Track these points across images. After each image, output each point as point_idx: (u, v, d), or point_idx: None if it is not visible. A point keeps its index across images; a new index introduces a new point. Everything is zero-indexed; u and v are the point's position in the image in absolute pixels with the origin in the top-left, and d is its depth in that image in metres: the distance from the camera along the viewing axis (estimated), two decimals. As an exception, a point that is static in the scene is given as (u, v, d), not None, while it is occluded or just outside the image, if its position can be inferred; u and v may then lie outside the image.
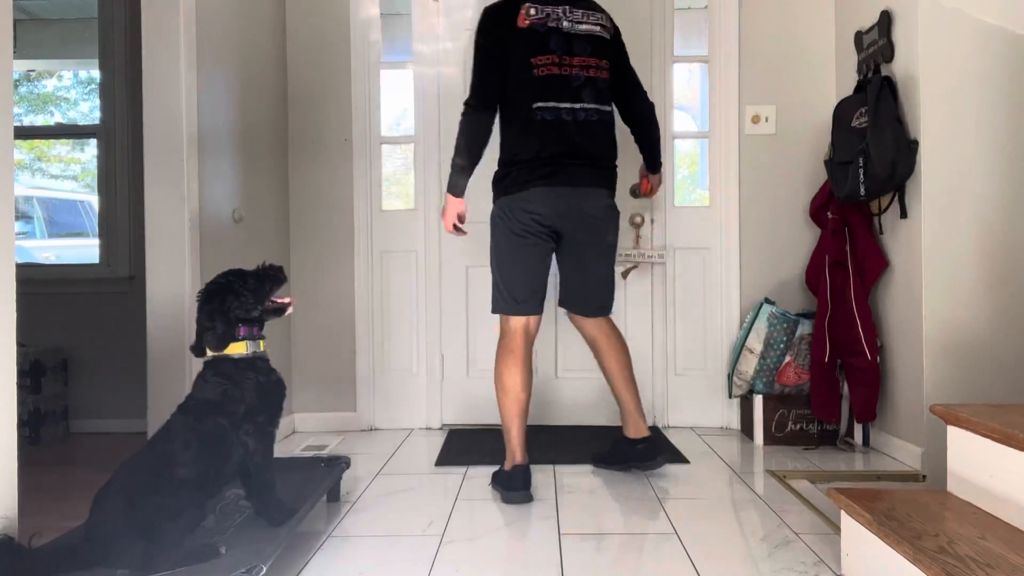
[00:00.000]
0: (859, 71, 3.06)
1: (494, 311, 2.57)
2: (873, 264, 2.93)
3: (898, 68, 2.80)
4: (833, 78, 3.40)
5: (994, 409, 1.80)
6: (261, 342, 1.92)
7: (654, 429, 3.35)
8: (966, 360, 2.60)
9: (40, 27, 4.46)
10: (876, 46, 2.92)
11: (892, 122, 2.68)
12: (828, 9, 3.41)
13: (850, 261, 2.99)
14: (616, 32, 2.60)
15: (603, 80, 2.49)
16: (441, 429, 3.49)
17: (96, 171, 3.76)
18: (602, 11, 2.56)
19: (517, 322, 2.50)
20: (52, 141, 5.03)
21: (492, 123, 2.47)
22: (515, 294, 2.48)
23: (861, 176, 2.73)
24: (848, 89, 3.05)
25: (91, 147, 4.14)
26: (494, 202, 2.53)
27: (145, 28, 2.58)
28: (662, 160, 2.88)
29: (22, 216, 5.51)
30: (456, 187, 2.50)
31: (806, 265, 3.32)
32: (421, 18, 3.54)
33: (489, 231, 2.57)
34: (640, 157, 2.82)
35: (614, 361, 2.61)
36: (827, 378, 3.00)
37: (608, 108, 2.52)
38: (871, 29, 2.96)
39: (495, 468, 2.67)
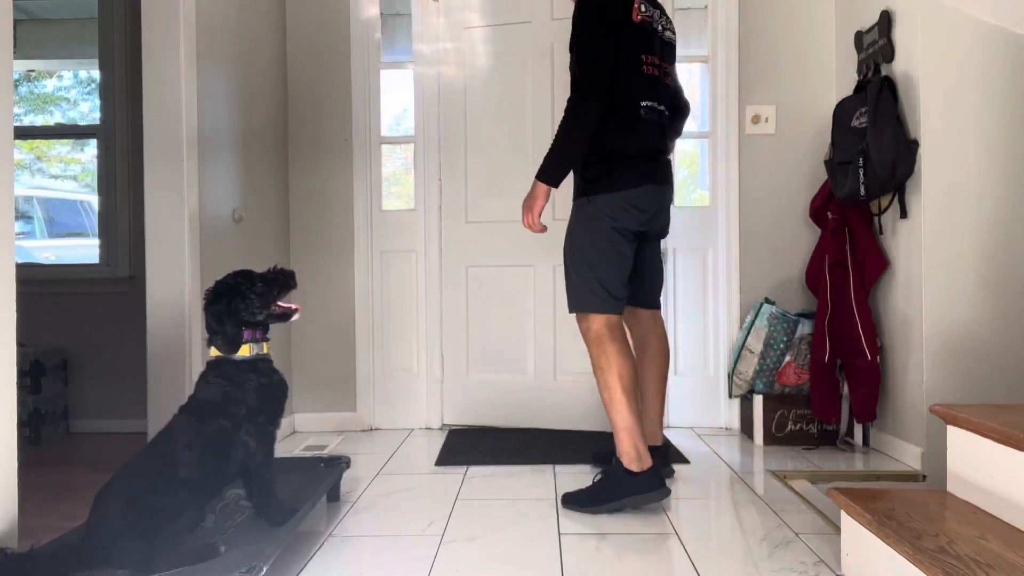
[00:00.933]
0: (859, 71, 3.06)
1: (588, 310, 2.36)
2: (873, 264, 2.93)
3: (898, 68, 2.80)
4: (833, 78, 3.40)
5: (994, 409, 1.80)
6: (264, 344, 1.91)
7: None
8: (966, 360, 2.60)
9: (40, 27, 4.46)
10: (876, 46, 2.92)
11: (892, 122, 2.68)
12: (828, 9, 3.41)
13: (850, 261, 2.99)
14: None
15: (675, 88, 2.58)
16: (441, 429, 3.49)
17: (96, 171, 3.76)
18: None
19: (614, 317, 2.37)
20: (52, 141, 5.03)
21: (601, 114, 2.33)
22: (615, 292, 2.35)
23: (861, 176, 2.73)
24: (848, 89, 3.05)
25: (91, 147, 4.14)
26: (589, 196, 2.37)
27: (145, 28, 2.58)
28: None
29: (22, 216, 5.51)
30: (558, 179, 2.33)
31: (806, 265, 3.32)
32: (421, 18, 3.54)
33: (577, 227, 2.40)
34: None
35: (656, 368, 2.58)
36: (827, 378, 3.00)
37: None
38: (871, 29, 2.96)
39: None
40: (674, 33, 2.58)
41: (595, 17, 2.29)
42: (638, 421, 2.29)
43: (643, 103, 2.36)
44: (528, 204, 2.36)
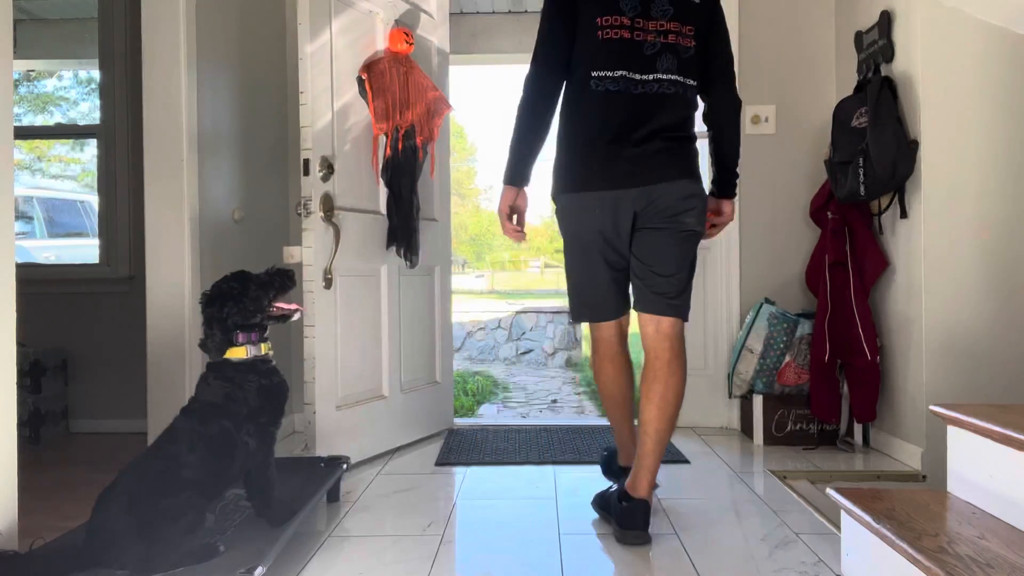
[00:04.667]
0: (859, 71, 3.06)
1: (575, 319, 2.29)
2: (873, 264, 2.93)
3: (898, 68, 2.80)
4: (833, 78, 3.40)
5: (994, 409, 1.80)
6: (263, 345, 1.89)
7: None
8: (966, 360, 2.60)
9: (40, 27, 4.46)
10: (876, 46, 2.92)
11: (892, 122, 2.68)
12: (828, 9, 3.41)
13: (850, 261, 2.99)
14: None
15: (685, 48, 2.02)
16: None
17: (96, 171, 3.76)
18: None
19: (605, 328, 2.20)
20: (52, 141, 5.04)
21: (558, 86, 2.02)
22: (588, 299, 2.17)
23: (861, 176, 2.73)
24: (848, 89, 3.05)
25: (91, 147, 4.14)
26: (553, 195, 2.14)
27: (145, 28, 2.58)
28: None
29: (22, 216, 5.51)
30: (517, 174, 2.05)
31: (806, 265, 3.32)
32: (421, 18, 3.53)
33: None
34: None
35: (647, 399, 2.10)
36: (827, 378, 2.99)
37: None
38: (871, 29, 2.96)
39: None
40: None
41: None
42: (628, 434, 2.26)
43: (594, 73, 1.97)
44: (499, 209, 2.11)
